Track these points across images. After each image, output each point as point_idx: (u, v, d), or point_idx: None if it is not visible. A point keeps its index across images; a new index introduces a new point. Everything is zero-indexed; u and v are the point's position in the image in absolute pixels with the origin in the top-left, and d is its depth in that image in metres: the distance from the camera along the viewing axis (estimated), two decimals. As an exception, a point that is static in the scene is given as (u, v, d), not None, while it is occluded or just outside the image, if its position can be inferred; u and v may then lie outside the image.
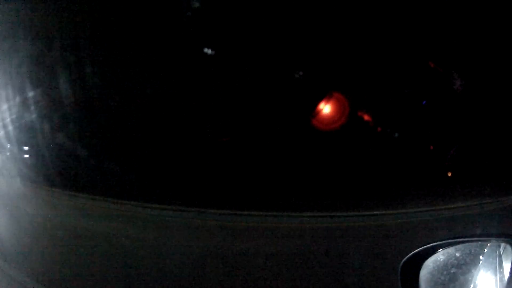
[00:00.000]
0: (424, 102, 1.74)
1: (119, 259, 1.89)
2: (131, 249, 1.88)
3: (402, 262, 1.42)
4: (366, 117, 1.75)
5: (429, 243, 1.46)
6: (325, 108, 1.74)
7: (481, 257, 1.55)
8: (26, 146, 2.30)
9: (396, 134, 1.72)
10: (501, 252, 1.55)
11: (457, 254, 1.54)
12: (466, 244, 1.54)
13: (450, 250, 1.52)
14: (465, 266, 1.55)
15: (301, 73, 1.78)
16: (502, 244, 1.55)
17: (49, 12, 2.07)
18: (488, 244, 1.55)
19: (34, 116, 2.22)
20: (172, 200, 1.90)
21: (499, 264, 1.55)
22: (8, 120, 2.26)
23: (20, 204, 2.22)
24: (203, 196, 1.85)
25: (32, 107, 2.20)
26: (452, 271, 1.54)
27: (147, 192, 1.96)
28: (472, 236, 1.51)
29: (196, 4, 1.80)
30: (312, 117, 1.76)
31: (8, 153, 2.33)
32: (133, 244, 1.89)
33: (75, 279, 1.91)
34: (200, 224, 1.90)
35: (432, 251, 1.46)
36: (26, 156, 2.30)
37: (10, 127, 2.26)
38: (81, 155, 2.10)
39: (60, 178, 2.15)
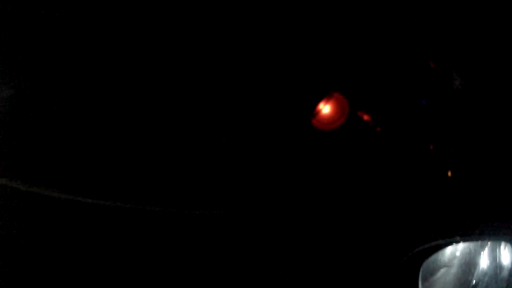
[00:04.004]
0: (424, 102, 1.74)
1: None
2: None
3: (402, 262, 1.43)
4: (365, 117, 1.75)
5: (429, 243, 1.46)
6: (324, 108, 1.75)
7: (481, 257, 1.55)
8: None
9: (396, 134, 1.72)
10: (501, 252, 1.56)
11: (457, 254, 1.55)
12: (466, 244, 1.55)
13: (450, 250, 1.53)
14: (465, 266, 1.55)
15: (300, 72, 1.77)
16: (502, 244, 1.56)
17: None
18: (488, 244, 1.56)
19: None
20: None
21: (499, 264, 1.56)
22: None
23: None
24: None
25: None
26: (452, 271, 1.55)
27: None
28: (472, 236, 1.51)
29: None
30: (311, 117, 1.76)
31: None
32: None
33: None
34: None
35: (432, 251, 1.46)
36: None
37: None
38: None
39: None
